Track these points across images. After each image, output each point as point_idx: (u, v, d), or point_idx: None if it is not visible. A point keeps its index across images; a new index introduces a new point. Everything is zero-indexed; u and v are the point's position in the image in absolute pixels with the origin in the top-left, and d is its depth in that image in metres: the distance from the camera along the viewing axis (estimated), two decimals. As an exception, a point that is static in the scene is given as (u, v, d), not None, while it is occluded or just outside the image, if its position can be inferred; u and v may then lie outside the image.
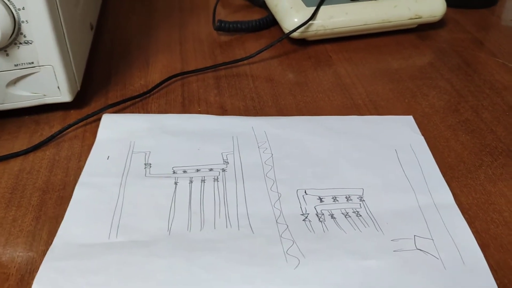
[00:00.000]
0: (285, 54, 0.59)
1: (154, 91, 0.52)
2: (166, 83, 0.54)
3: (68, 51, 0.46)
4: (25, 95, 0.46)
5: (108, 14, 0.69)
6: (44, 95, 0.47)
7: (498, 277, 0.33)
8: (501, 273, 0.34)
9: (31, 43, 0.43)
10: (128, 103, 0.50)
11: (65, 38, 0.45)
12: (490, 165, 0.43)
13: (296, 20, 0.58)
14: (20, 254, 0.35)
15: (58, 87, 0.46)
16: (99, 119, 0.47)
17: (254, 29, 0.64)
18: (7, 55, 0.43)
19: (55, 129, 0.46)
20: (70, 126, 0.46)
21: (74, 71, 0.48)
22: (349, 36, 0.62)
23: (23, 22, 0.42)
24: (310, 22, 0.57)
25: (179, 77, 0.55)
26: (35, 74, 0.45)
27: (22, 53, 0.43)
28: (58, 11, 0.44)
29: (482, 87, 0.53)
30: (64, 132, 0.46)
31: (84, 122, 0.48)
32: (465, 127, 0.47)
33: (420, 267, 0.34)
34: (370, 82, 0.54)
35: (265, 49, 0.57)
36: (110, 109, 0.49)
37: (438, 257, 0.34)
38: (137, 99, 0.51)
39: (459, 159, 0.43)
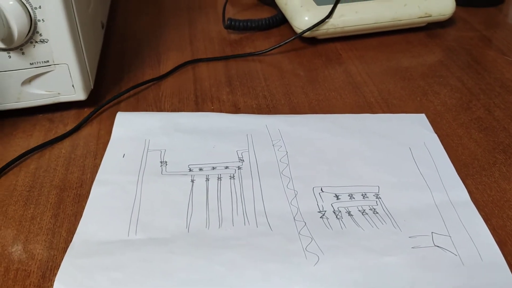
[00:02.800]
0: (295, 52, 0.60)
1: (167, 89, 0.52)
2: (178, 77, 0.54)
3: (82, 50, 0.46)
4: (40, 94, 0.46)
5: (117, 13, 0.70)
6: (59, 93, 0.47)
7: (516, 273, 0.34)
8: (519, 270, 0.34)
9: (46, 42, 0.43)
10: (142, 100, 0.51)
11: (79, 36, 0.45)
12: (504, 163, 0.43)
13: (306, 18, 0.58)
14: (40, 251, 0.35)
15: (73, 86, 0.46)
16: (113, 115, 0.47)
17: (264, 27, 0.64)
18: (23, 53, 0.43)
19: (69, 127, 0.47)
20: (85, 120, 0.47)
21: (88, 70, 0.48)
22: (359, 35, 0.62)
23: (39, 20, 0.42)
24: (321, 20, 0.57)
25: (190, 72, 0.55)
26: (50, 72, 0.45)
27: (37, 51, 0.43)
28: (73, 10, 0.44)
29: (493, 85, 0.53)
30: (79, 131, 0.46)
31: (99, 120, 0.48)
32: (478, 125, 0.48)
33: (438, 264, 0.34)
34: (381, 80, 0.54)
35: (278, 46, 0.58)
36: (124, 104, 0.49)
37: (456, 253, 0.35)
38: (150, 96, 0.51)
39: (473, 156, 0.44)
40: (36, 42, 0.43)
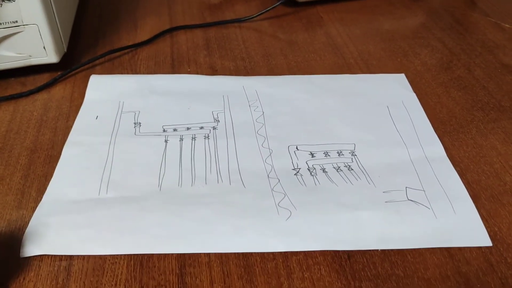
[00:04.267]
0: (276, 16, 0.58)
1: (143, 52, 0.51)
2: (155, 42, 0.53)
3: (53, 10, 0.45)
4: (10, 56, 0.45)
5: (94, -22, 0.68)
6: (30, 56, 0.46)
7: (489, 225, 0.33)
8: (491, 222, 0.34)
9: (14, 1, 0.42)
10: (117, 64, 0.50)
11: (49, -4, 0.44)
12: (482, 120, 0.43)
13: (286, -20, 0.57)
14: (9, 211, 0.34)
15: (44, 48, 0.45)
16: (87, 78, 0.46)
17: (244, -9, 0.62)
18: (-10, 13, 0.42)
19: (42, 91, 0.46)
20: (55, 80, 0.46)
21: (60, 32, 0.47)
22: (341, -3, 0.61)
23: (5, -22, 0.40)
24: (300, -19, 0.56)
25: (168, 36, 0.54)
26: (19, 33, 0.44)
27: (5, 11, 0.42)
28: (41, -33, 0.42)
29: (474, 46, 0.53)
30: (52, 93, 0.45)
31: (73, 83, 0.47)
32: (457, 84, 0.47)
33: (411, 217, 0.34)
34: (362, 42, 0.53)
35: (264, 12, 0.56)
36: (99, 68, 0.48)
37: (429, 207, 0.34)
38: (125, 59, 0.50)
39: (451, 114, 0.43)
40: (3, 1, 0.42)
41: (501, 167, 0.38)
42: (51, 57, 0.46)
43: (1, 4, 0.42)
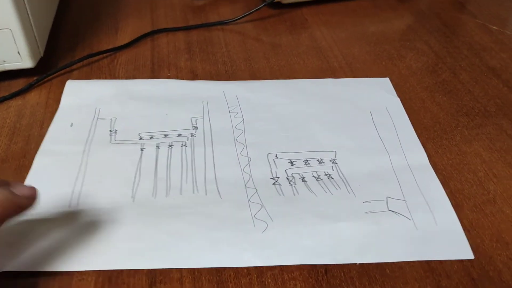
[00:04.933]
0: (260, 18, 0.57)
1: (123, 56, 0.50)
2: (136, 45, 0.51)
3: (27, 14, 0.43)
4: (-17, 61, 0.44)
5: (76, -21, 0.66)
6: (4, 61, 0.44)
7: (471, 236, 0.33)
8: (474, 233, 0.33)
9: (-15, 5, 0.40)
10: (95, 68, 0.48)
11: (23, -1, 0.43)
12: (466, 126, 0.42)
13: (270, -19, 0.56)
14: (-24, 224, 0.33)
15: (18, 52, 0.44)
16: (64, 84, 0.45)
17: (228, -8, 0.61)
18: (-40, 17, 0.40)
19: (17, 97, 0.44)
20: (29, 86, 0.45)
21: (36, 36, 0.45)
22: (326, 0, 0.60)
23: (-26, -19, 0.39)
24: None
25: (149, 39, 0.53)
26: (-8, 38, 0.42)
27: (-24, 15, 0.41)
28: (14, -30, 0.41)
29: (460, 48, 0.52)
30: (26, 100, 0.44)
31: (48, 89, 0.45)
32: (442, 88, 0.46)
33: (391, 228, 0.33)
34: (347, 45, 0.52)
35: (248, 14, 0.55)
36: (76, 72, 0.47)
37: (410, 217, 0.33)
38: (104, 63, 0.49)
39: (435, 120, 0.42)
40: (-26, 5, 0.40)
41: (484, 175, 0.37)
42: (26, 62, 0.45)
43: (-29, 9, 0.40)
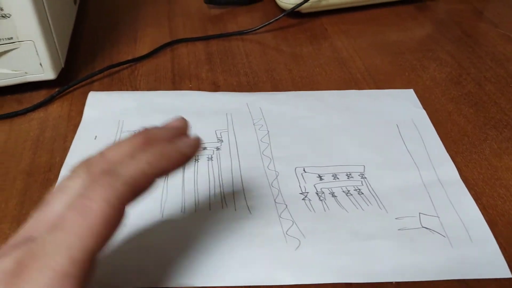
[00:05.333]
0: (279, 28, 0.57)
1: (143, 67, 0.50)
2: (156, 56, 0.51)
3: (49, 25, 0.43)
4: (5, 73, 0.43)
5: (92, -12, 0.66)
6: (26, 72, 0.44)
7: (508, 255, 0.32)
8: (510, 251, 0.32)
9: (9, 17, 0.40)
10: (116, 80, 0.48)
11: (45, 11, 0.42)
12: (495, 139, 0.41)
13: (290, -9, 0.55)
14: (3, 241, 0.33)
15: (41, 64, 0.44)
16: (85, 95, 0.45)
17: (246, 2, 0.61)
18: (-16, 30, 0.40)
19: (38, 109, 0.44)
20: (51, 98, 0.45)
21: (57, 47, 0.45)
22: (346, 8, 0.60)
23: (-1, -7, 0.39)
24: (305, -7, 0.55)
25: (168, 50, 0.52)
26: (15, 50, 0.42)
27: (0, 27, 0.40)
28: (37, -18, 0.41)
29: (484, 59, 0.51)
30: (48, 112, 0.44)
31: (70, 101, 0.45)
32: (468, 100, 0.45)
33: (426, 246, 0.32)
34: (368, 55, 0.52)
35: (267, 24, 0.55)
36: (97, 84, 0.47)
37: (444, 234, 0.33)
38: (125, 74, 0.49)
39: (463, 133, 0.42)
40: (-2, 17, 0.40)
41: (517, 190, 0.36)
42: (48, 74, 0.45)
43: (-4, 21, 0.40)
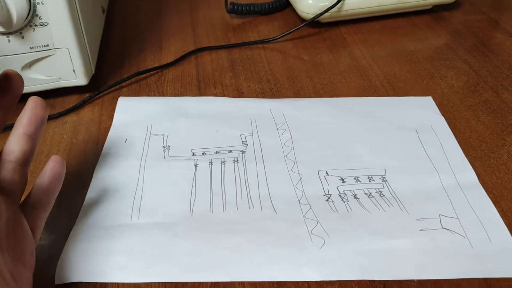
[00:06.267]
0: (300, 36, 0.59)
1: (170, 74, 0.52)
2: (181, 63, 0.53)
3: (82, 34, 0.45)
4: (40, 79, 0.45)
5: (118, -2, 0.69)
6: (59, 78, 0.46)
7: (526, 255, 0.33)
8: (529, 252, 0.33)
9: (46, 25, 0.42)
10: (144, 86, 0.50)
11: (79, 20, 0.44)
12: (513, 145, 0.42)
13: (310, 1, 0.57)
14: (42, 237, 0.34)
15: (74, 70, 0.46)
16: (115, 100, 0.47)
17: (267, 11, 0.63)
18: (23, 37, 0.42)
19: (70, 113, 0.46)
20: (84, 102, 0.47)
21: (89, 54, 0.47)
22: (364, 18, 0.61)
23: (38, 3, 0.41)
24: (324, 3, 0.56)
25: (193, 57, 0.54)
26: (50, 57, 0.44)
27: (37, 35, 0.43)
28: (73, -7, 0.43)
29: (500, 67, 0.52)
30: (80, 116, 0.46)
31: (101, 106, 0.47)
32: (486, 107, 0.47)
33: (446, 246, 0.33)
34: (387, 64, 0.53)
35: (288, 33, 0.57)
36: (126, 89, 0.49)
37: (465, 236, 0.34)
38: (152, 80, 0.50)
39: (481, 139, 0.43)
40: (36, 25, 0.42)
41: (535, 194, 0.37)
42: (80, 80, 0.47)
43: (34, 29, 0.42)
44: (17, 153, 0.31)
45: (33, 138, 0.31)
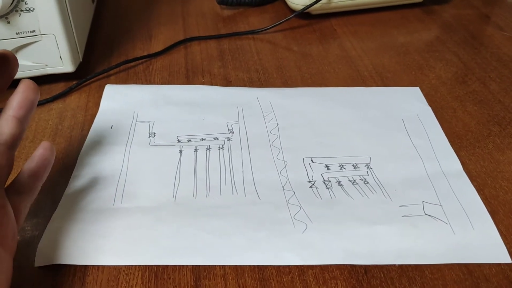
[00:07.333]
0: (290, 28, 0.59)
1: (158, 62, 0.52)
2: (170, 52, 0.53)
3: (69, 20, 0.45)
4: (26, 65, 0.45)
5: (109, -11, 0.68)
6: (46, 65, 0.46)
7: (508, 241, 0.33)
8: (510, 238, 0.33)
9: (32, 11, 0.42)
10: (132, 74, 0.50)
11: (66, 6, 0.44)
12: (498, 135, 0.42)
13: (300, -8, 0.57)
14: (25, 221, 0.34)
15: (60, 57, 0.46)
16: (102, 88, 0.47)
17: (257, 3, 0.63)
18: (8, 22, 0.42)
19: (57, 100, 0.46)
20: (70, 89, 0.47)
21: (76, 41, 0.47)
22: (354, 10, 0.61)
23: (24, -12, 0.41)
24: (315, -6, 0.56)
25: (182, 47, 0.54)
26: (37, 43, 0.44)
27: (23, 21, 0.42)
28: (60, -22, 0.43)
29: (489, 60, 0.52)
30: (67, 103, 0.46)
31: (88, 93, 0.47)
32: (473, 98, 0.47)
33: (429, 232, 0.33)
34: (376, 55, 0.53)
35: (277, 24, 0.57)
36: (113, 77, 0.48)
37: (447, 222, 0.34)
38: (140, 69, 0.50)
39: (467, 129, 0.43)
40: (22, 10, 0.42)
41: (519, 182, 0.38)
42: (67, 67, 0.46)
43: (20, 14, 0.42)
44: (6, 135, 0.30)
45: (23, 122, 0.31)
